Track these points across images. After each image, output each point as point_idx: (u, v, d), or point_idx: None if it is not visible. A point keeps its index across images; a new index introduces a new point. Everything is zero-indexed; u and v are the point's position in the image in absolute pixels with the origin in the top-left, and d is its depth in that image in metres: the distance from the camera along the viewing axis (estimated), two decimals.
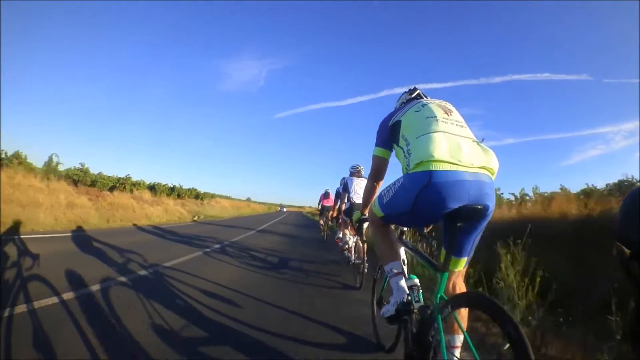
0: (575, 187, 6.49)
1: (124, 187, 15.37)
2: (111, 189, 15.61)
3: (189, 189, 25.11)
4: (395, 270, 1.46)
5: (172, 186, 22.32)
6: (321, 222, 9.86)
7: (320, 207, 9.53)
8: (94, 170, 15.88)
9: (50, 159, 13.11)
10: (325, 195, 9.26)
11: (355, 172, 4.74)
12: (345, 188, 4.69)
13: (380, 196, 1.46)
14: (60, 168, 14.14)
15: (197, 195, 26.58)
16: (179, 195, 22.92)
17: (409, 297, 1.37)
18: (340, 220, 5.22)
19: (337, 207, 5.56)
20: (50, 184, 9.00)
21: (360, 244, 4.07)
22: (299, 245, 7.92)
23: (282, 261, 5.36)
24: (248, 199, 62.93)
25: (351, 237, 4.65)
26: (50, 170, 13.05)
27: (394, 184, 1.38)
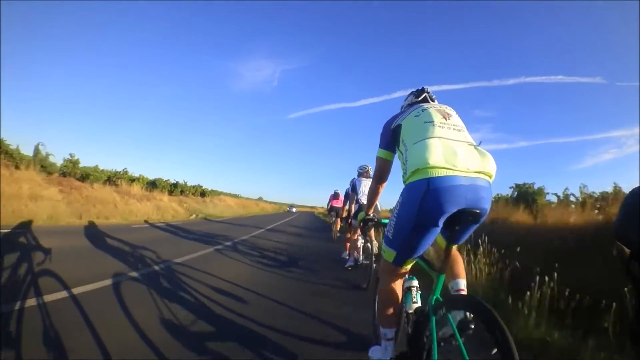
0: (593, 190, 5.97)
1: (120, 182, 14.44)
2: (106, 183, 14.82)
3: (193, 186, 24.25)
4: (389, 337, 1.46)
5: (174, 182, 21.47)
6: (330, 221, 9.95)
7: (329, 207, 9.45)
8: (101, 165, 15.13)
9: (37, 148, 12.24)
10: (335, 196, 9.05)
11: (363, 173, 4.68)
12: (353, 189, 4.63)
13: (385, 236, 1.43)
14: (52, 159, 13.42)
15: (203, 193, 25.71)
16: (182, 192, 22.06)
17: None
18: (350, 221, 5.08)
19: (347, 208, 5.46)
20: (14, 172, 7.96)
21: (369, 245, 4.01)
22: (308, 254, 6.44)
23: (291, 261, 5.28)
24: (260, 198, 62.06)
25: (360, 238, 4.57)
26: (37, 160, 12.25)
27: (393, 212, 1.37)
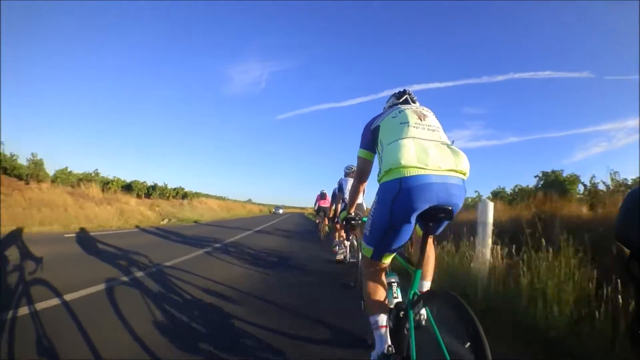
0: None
1: (91, 184, 13.84)
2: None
3: (174, 189, 23.68)
4: (380, 324, 1.46)
5: (152, 184, 20.89)
6: (317, 221, 9.93)
7: (316, 207, 9.54)
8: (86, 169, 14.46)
9: None
10: (322, 196, 9.07)
11: (349, 173, 4.77)
12: (340, 189, 4.71)
13: (364, 233, 1.51)
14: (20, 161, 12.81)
15: (185, 195, 25.13)
16: (161, 195, 21.48)
17: (390, 349, 1.39)
18: (336, 220, 5.23)
19: (334, 207, 5.58)
20: None
21: (356, 244, 4.08)
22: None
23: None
24: (249, 200, 61.35)
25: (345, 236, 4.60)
26: None
27: (370, 211, 1.45)
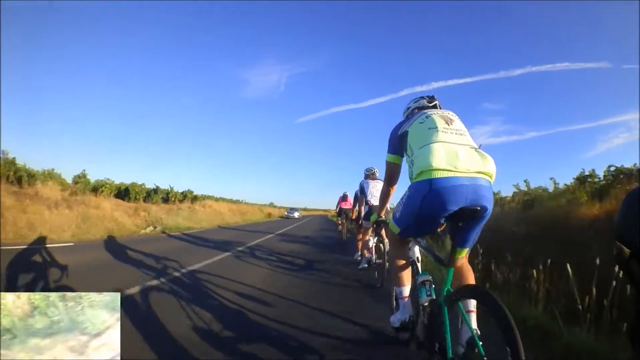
0: None
1: (48, 182, 12.57)
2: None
3: (182, 192, 22.52)
4: (404, 294, 1.70)
5: (154, 187, 19.73)
6: (339, 223, 10.01)
7: (338, 209, 9.64)
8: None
9: None
10: (344, 198, 9.15)
11: (370, 175, 4.86)
12: (362, 191, 4.80)
13: (393, 213, 1.65)
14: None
15: (195, 199, 23.95)
16: (165, 200, 20.31)
17: (411, 318, 1.65)
18: (360, 222, 5.18)
19: (357, 209, 5.60)
20: None
21: (382, 245, 4.12)
22: None
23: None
24: (270, 204, 60.22)
25: (371, 238, 4.61)
26: None
27: (402, 198, 1.56)
